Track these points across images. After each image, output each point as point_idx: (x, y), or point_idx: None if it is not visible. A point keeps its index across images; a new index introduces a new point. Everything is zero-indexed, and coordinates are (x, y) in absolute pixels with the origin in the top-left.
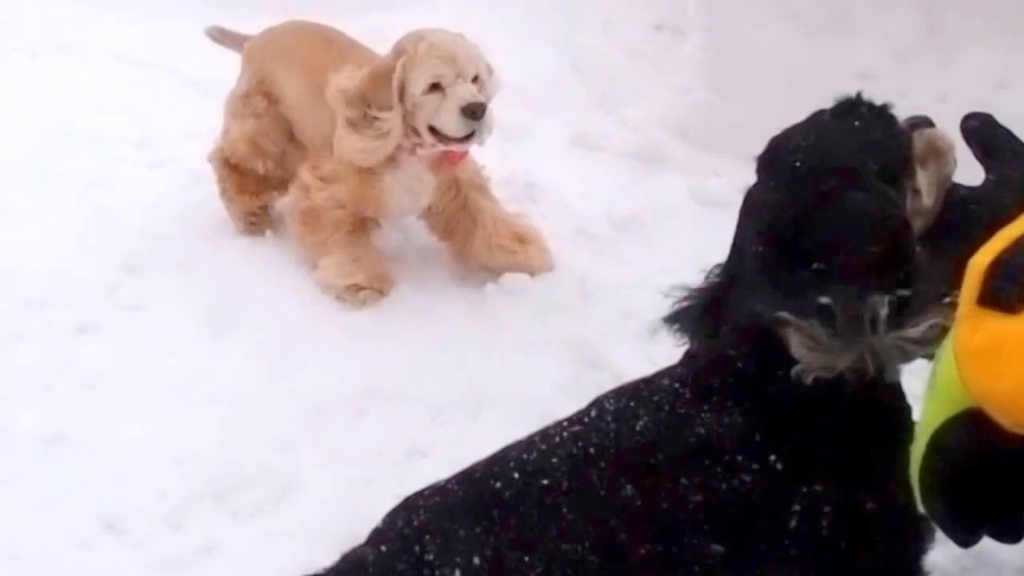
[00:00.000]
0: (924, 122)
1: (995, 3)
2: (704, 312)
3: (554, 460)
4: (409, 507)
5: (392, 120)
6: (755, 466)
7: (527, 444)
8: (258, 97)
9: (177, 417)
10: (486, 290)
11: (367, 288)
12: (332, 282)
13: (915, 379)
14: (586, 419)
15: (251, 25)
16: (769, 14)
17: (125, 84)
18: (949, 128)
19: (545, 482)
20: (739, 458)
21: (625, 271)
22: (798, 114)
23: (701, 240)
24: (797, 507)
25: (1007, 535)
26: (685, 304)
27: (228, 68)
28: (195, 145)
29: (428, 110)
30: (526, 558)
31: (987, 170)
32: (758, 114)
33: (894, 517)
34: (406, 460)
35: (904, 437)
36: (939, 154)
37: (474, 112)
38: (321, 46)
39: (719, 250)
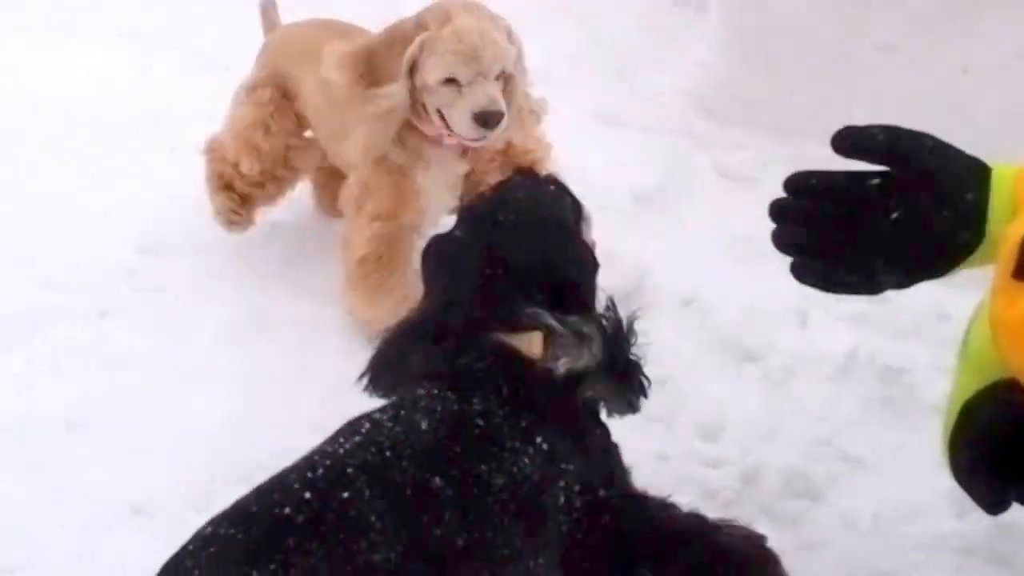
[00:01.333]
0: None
1: None
2: (430, 339)
3: (349, 471)
4: (177, 570)
5: (395, 93)
6: (530, 449)
7: (306, 464)
8: (267, 89)
9: (200, 400)
10: None
11: None
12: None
13: (941, 352)
14: (363, 430)
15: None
16: None
17: (137, 65)
18: (973, 97)
19: (345, 494)
20: (517, 444)
21: (649, 245)
22: (819, 86)
23: (725, 213)
24: (561, 483)
25: None
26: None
27: (243, 47)
28: (211, 126)
29: (441, 101)
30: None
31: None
32: (780, 87)
33: (619, 497)
34: None
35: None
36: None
37: (486, 121)
38: (339, 39)
39: (742, 222)
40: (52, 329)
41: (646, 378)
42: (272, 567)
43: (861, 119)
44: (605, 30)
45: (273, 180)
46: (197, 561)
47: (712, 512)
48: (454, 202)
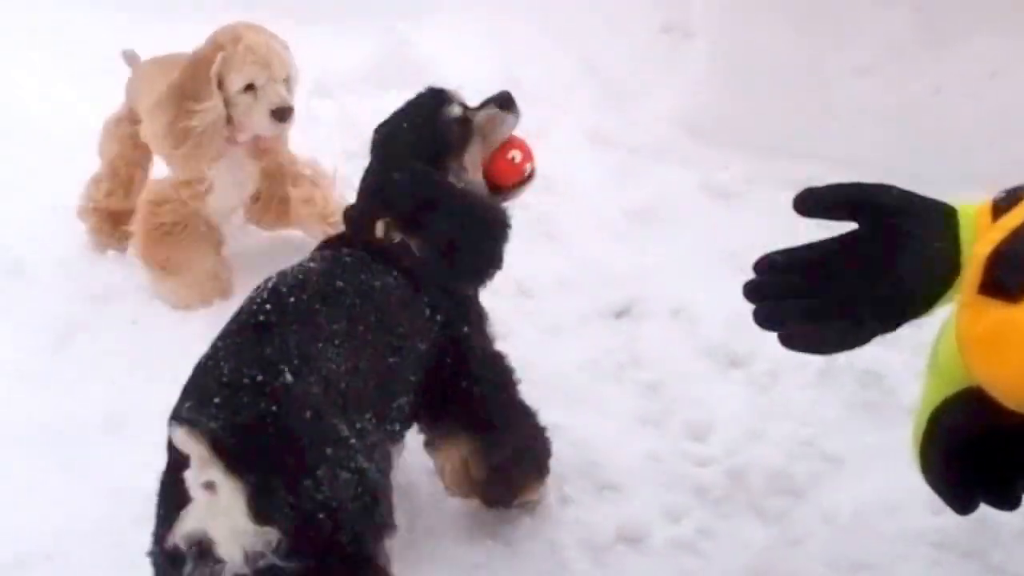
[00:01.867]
0: (492, 102)
1: None
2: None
3: (283, 289)
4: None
5: (214, 108)
6: (423, 310)
7: (255, 293)
8: (124, 122)
9: None
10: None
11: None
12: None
13: (917, 358)
14: (289, 272)
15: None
16: (770, 16)
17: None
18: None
19: (291, 299)
20: (379, 268)
21: (640, 259)
22: (800, 108)
23: (712, 228)
24: (438, 334)
25: (1005, 503)
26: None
27: None
28: None
29: (241, 108)
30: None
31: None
32: (762, 110)
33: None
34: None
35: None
36: (487, 131)
37: (283, 115)
38: (174, 67)
39: (728, 237)
40: (91, 336)
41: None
42: (269, 347)
43: (839, 138)
44: (598, 57)
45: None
46: (217, 358)
47: (701, 509)
48: (244, 198)
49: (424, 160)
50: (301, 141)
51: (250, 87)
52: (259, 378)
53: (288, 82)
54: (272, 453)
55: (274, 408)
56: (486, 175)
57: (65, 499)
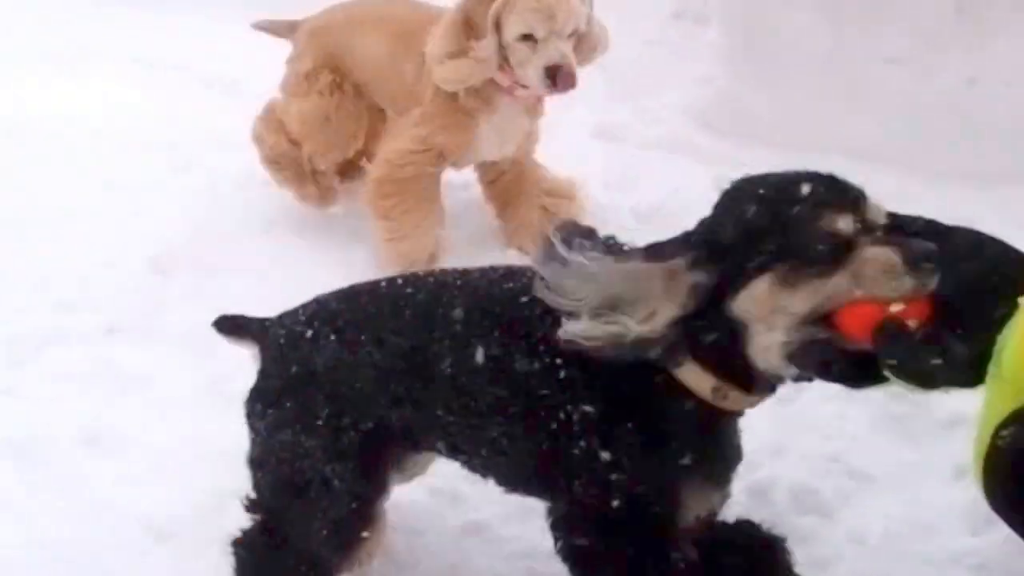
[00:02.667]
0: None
1: None
2: None
3: (430, 279)
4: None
5: (487, 47)
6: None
7: (430, 271)
8: (325, 72)
9: (212, 416)
10: None
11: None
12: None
13: None
14: (486, 268)
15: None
16: (791, 0)
17: (147, 87)
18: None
19: (409, 290)
20: (541, 348)
21: None
22: (822, 99)
23: None
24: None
25: None
26: None
27: (248, 69)
28: (219, 148)
29: (517, 57)
30: (362, 336)
31: None
32: (781, 102)
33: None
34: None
35: None
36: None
37: (556, 76)
38: (403, 5)
39: None
40: (65, 348)
41: None
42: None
43: (865, 131)
44: None
45: (347, 163)
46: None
47: None
48: (504, 154)
49: (756, 257)
50: None
51: (528, 37)
52: None
53: (576, 37)
54: None
55: None
56: (834, 316)
57: (42, 519)
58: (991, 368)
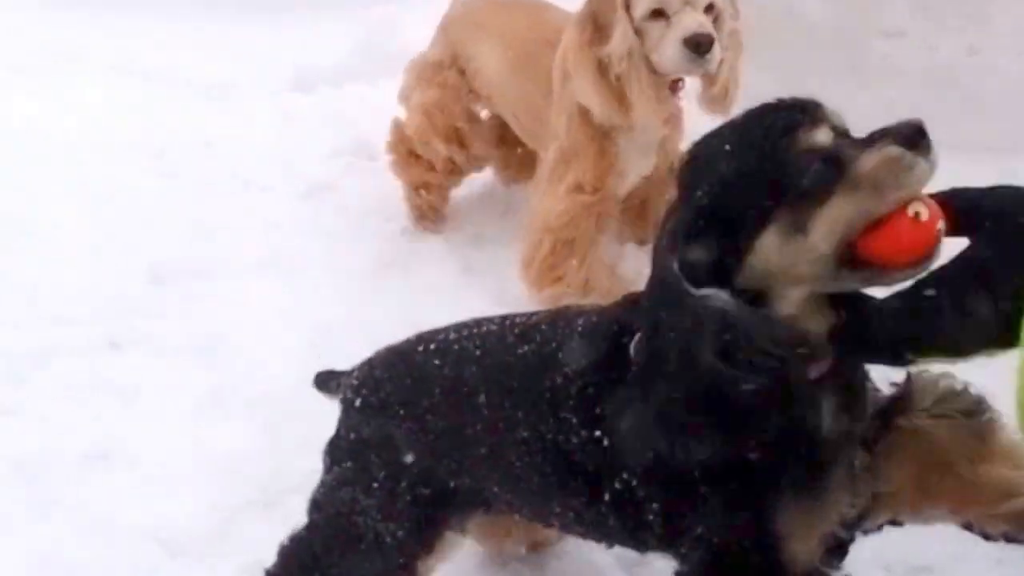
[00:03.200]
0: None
1: None
2: None
3: (455, 347)
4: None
5: (622, 38)
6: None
7: (460, 326)
8: (452, 70)
9: (218, 427)
10: None
11: None
12: None
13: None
14: (507, 322)
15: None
16: None
17: (132, 95)
18: (981, 80)
19: (437, 362)
20: (573, 420)
21: None
22: (823, 71)
23: None
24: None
25: None
26: None
27: (235, 72)
28: (210, 152)
29: (651, 39)
30: (402, 412)
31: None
32: (779, 75)
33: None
34: None
35: None
36: (878, 184)
37: (698, 45)
38: (524, 15)
39: None
40: (65, 363)
41: None
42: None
43: (868, 102)
44: None
45: (451, 162)
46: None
47: None
48: (648, 170)
49: (749, 212)
50: (280, 141)
51: (660, 13)
52: None
53: (714, 12)
54: None
55: None
56: (859, 249)
57: (52, 539)
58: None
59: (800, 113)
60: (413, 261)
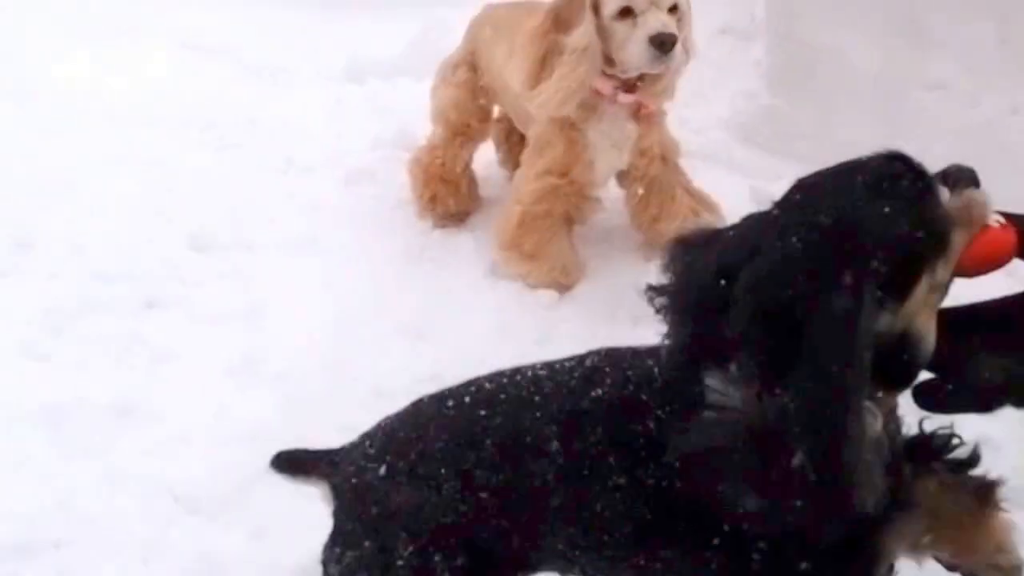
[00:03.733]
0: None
1: None
2: None
3: (502, 396)
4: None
5: (585, 34)
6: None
7: (496, 376)
8: (463, 68)
9: (242, 393)
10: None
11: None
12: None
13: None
14: (556, 367)
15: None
16: (837, 21)
17: (190, 69)
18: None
19: (482, 412)
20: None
21: None
22: (863, 120)
23: None
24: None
25: None
26: None
27: (292, 57)
28: (258, 130)
29: (617, 38)
30: (442, 470)
31: None
32: (823, 120)
33: None
34: None
35: None
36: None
37: (662, 43)
38: (528, 13)
39: None
40: (101, 318)
41: None
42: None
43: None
44: None
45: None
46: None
47: None
48: (621, 164)
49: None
50: (329, 128)
51: (628, 12)
52: None
53: (678, 14)
54: None
55: None
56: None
57: (71, 485)
58: None
59: (922, 176)
60: (442, 255)
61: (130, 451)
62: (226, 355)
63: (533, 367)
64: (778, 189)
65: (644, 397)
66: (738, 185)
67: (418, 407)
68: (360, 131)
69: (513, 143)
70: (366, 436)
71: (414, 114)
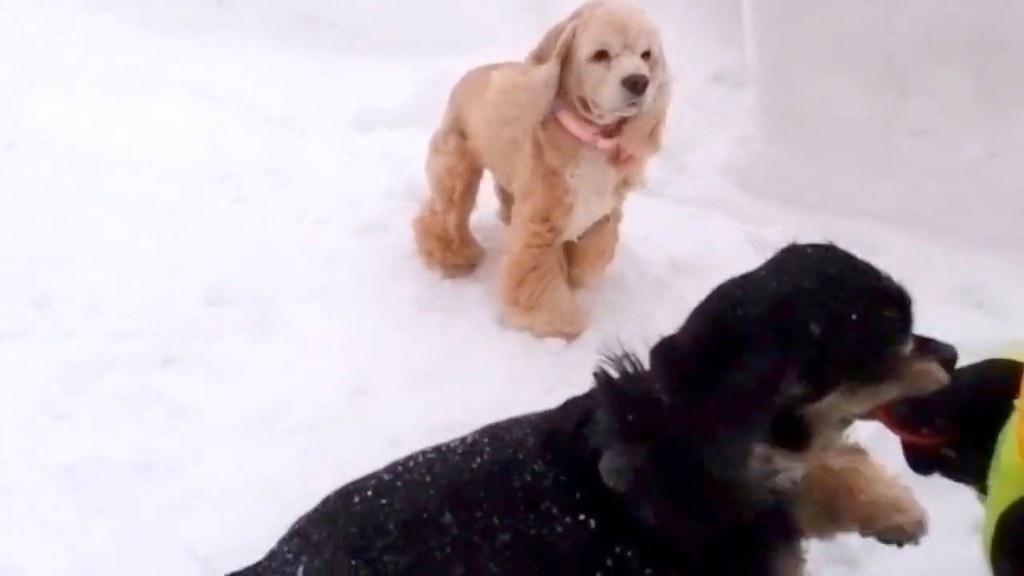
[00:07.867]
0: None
1: None
2: None
3: (399, 483)
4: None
5: (546, 70)
6: (568, 520)
7: (392, 466)
8: (452, 136)
9: (259, 448)
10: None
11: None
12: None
13: None
14: (443, 448)
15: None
16: (826, 68)
17: (204, 119)
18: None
19: (383, 501)
20: (554, 510)
21: (686, 312)
22: (852, 166)
23: None
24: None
25: None
26: None
27: (303, 105)
28: (272, 181)
29: (592, 80)
30: (353, 562)
31: None
32: (815, 165)
33: None
34: None
35: None
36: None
37: (635, 84)
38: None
39: None
40: (119, 375)
41: None
42: (324, 535)
43: (893, 196)
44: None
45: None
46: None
47: None
48: (605, 209)
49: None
50: (339, 176)
51: (602, 55)
52: None
53: (650, 60)
54: None
55: None
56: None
57: (91, 543)
58: (992, 464)
59: (901, 322)
60: (453, 304)
61: (149, 508)
62: (241, 410)
63: (424, 452)
64: (772, 233)
65: (520, 456)
66: (735, 230)
67: (327, 504)
68: (371, 181)
69: (508, 196)
70: (283, 541)
71: (420, 164)
